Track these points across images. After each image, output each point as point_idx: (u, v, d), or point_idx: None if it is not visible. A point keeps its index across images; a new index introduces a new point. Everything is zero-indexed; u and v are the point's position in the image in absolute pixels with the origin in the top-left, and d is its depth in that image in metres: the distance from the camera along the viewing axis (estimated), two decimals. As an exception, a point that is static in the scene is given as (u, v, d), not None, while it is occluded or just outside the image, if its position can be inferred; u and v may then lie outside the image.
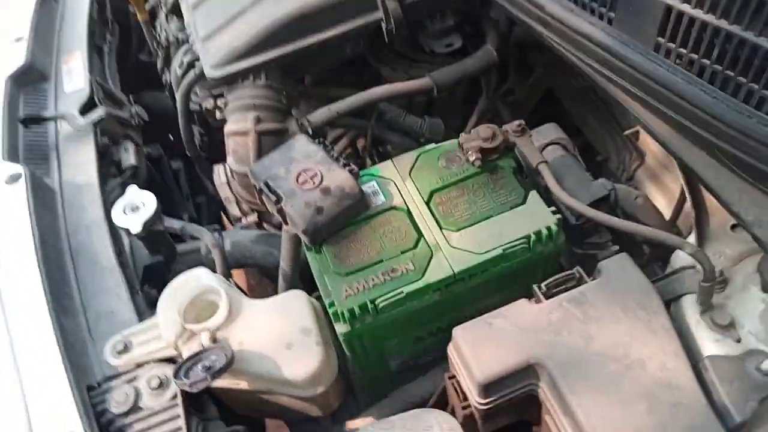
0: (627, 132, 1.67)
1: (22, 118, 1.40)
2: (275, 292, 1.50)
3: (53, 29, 1.71)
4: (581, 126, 1.79)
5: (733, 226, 1.01)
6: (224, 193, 1.52)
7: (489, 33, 1.47)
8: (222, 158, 1.65)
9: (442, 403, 1.07)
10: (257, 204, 1.46)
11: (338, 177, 1.01)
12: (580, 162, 1.18)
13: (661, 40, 0.85)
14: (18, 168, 1.23)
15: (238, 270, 1.71)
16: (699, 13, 0.79)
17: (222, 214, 2.20)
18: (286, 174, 1.02)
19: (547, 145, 1.18)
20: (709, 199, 1.06)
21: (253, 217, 1.52)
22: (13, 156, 1.31)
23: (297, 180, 1.01)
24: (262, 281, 1.88)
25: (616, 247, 1.14)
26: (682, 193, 1.40)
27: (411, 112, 1.54)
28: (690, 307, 0.92)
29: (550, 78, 1.81)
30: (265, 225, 1.54)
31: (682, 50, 0.83)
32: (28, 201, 1.18)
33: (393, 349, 1.07)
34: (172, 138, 2.13)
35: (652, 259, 1.18)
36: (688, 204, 1.35)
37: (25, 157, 1.33)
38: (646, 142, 1.65)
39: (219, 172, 1.53)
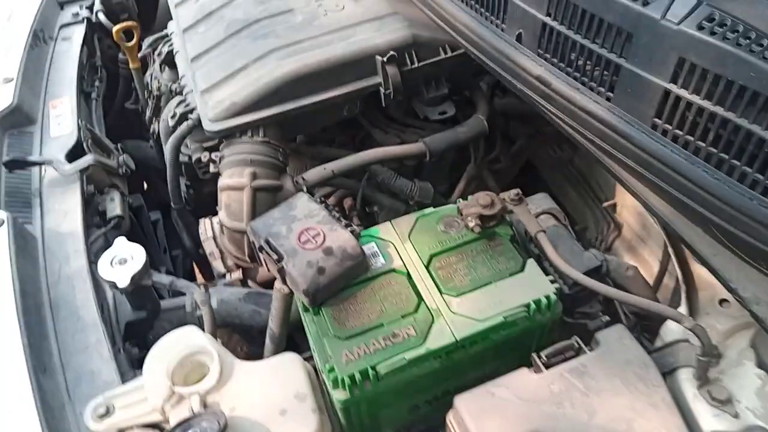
0: (605, 204, 1.74)
1: (5, 162, 1.36)
2: (250, 352, 1.46)
3: (42, 72, 1.69)
4: (559, 196, 1.84)
5: (722, 301, 1.04)
6: (209, 247, 1.49)
7: (479, 103, 1.53)
8: (206, 212, 1.64)
9: (435, 474, 1.04)
10: (244, 260, 1.44)
11: (340, 237, 1.01)
12: (570, 232, 1.20)
13: (658, 120, 0.89)
14: (0, 214, 1.19)
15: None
16: (696, 99, 0.84)
17: (194, 268, 2.16)
18: (288, 232, 1.01)
19: (540, 214, 1.20)
20: (698, 274, 1.09)
21: (237, 274, 1.49)
22: (-6, 201, 1.27)
23: (299, 239, 1.00)
24: (232, 339, 1.84)
25: (607, 318, 1.16)
26: (662, 266, 1.45)
27: (400, 175, 1.56)
28: (686, 380, 0.93)
29: (531, 148, 1.88)
30: (249, 282, 1.51)
31: (678, 132, 0.88)
32: (9, 249, 1.13)
33: (388, 417, 1.04)
34: (146, 187, 2.11)
35: (638, 329, 1.20)
36: (667, 277, 1.40)
37: (7, 203, 1.29)
38: (624, 214, 1.71)
39: (205, 227, 1.51)
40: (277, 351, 1.21)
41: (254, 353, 1.47)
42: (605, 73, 0.95)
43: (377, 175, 1.49)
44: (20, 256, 1.15)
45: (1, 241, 1.14)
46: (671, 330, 1.05)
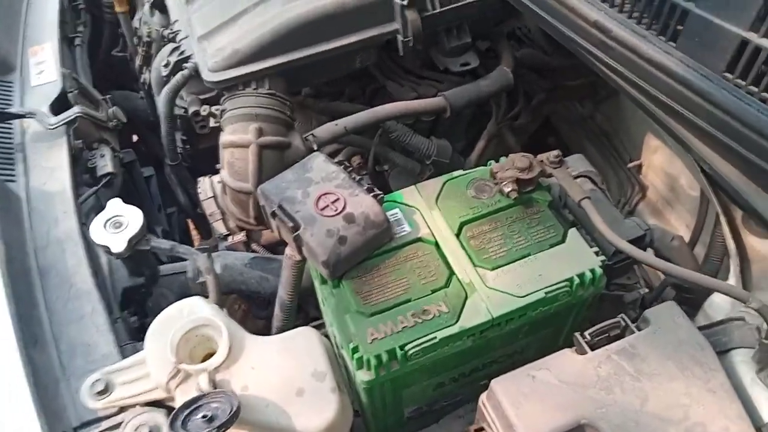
0: (631, 165, 1.64)
1: (-18, 113, 1.23)
2: (249, 311, 1.37)
3: (19, 15, 1.54)
4: (578, 155, 1.74)
5: (776, 276, 0.96)
6: (210, 208, 1.38)
7: (504, 53, 1.40)
8: (204, 169, 1.52)
9: (460, 455, 0.97)
10: (248, 223, 1.33)
11: (363, 203, 0.90)
12: (609, 197, 1.11)
13: (729, 75, 0.79)
14: (-21, 170, 1.07)
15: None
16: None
17: (190, 226, 2.05)
18: (304, 197, 0.91)
19: (576, 177, 1.10)
20: (751, 246, 1.01)
21: (240, 236, 1.39)
22: (-29, 156, 1.15)
23: (317, 205, 0.90)
24: (229, 297, 1.75)
25: (645, 289, 1.08)
26: (694, 234, 1.36)
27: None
28: (743, 363, 0.85)
29: (551, 104, 1.77)
30: (253, 245, 1.41)
31: (753, 88, 0.77)
32: (-9, 210, 1.02)
33: (411, 395, 0.96)
34: (135, 140, 1.98)
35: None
36: (699, 246, 1.32)
37: (-14, 158, 1.17)
38: (650, 176, 1.62)
39: (204, 186, 1.39)
40: (287, 320, 1.12)
41: (254, 314, 1.38)
42: (668, 21, 0.83)
43: (391, 132, 1.38)
44: (4, 218, 1.04)
45: (-19, 200, 1.03)
46: (719, 306, 0.97)
